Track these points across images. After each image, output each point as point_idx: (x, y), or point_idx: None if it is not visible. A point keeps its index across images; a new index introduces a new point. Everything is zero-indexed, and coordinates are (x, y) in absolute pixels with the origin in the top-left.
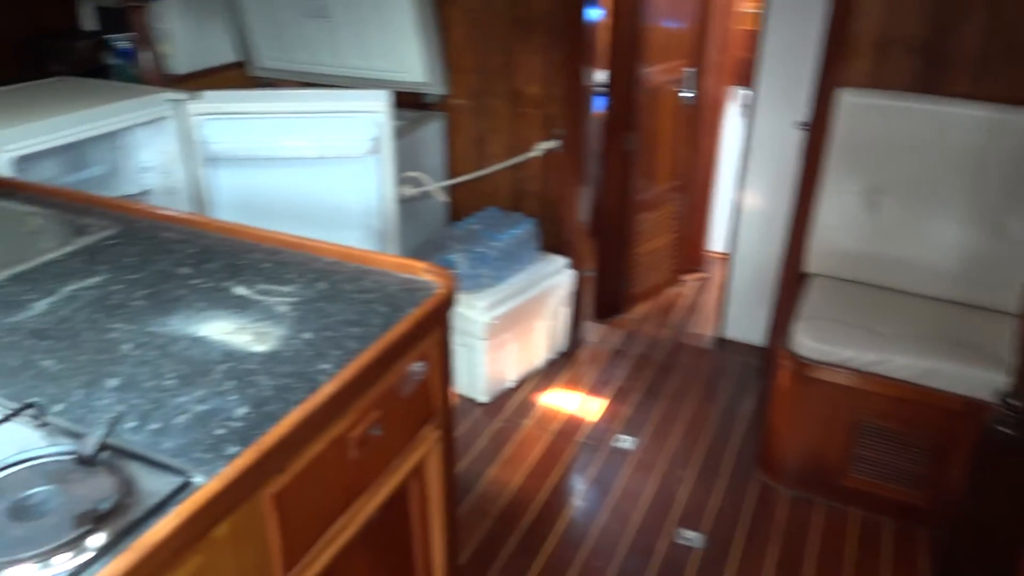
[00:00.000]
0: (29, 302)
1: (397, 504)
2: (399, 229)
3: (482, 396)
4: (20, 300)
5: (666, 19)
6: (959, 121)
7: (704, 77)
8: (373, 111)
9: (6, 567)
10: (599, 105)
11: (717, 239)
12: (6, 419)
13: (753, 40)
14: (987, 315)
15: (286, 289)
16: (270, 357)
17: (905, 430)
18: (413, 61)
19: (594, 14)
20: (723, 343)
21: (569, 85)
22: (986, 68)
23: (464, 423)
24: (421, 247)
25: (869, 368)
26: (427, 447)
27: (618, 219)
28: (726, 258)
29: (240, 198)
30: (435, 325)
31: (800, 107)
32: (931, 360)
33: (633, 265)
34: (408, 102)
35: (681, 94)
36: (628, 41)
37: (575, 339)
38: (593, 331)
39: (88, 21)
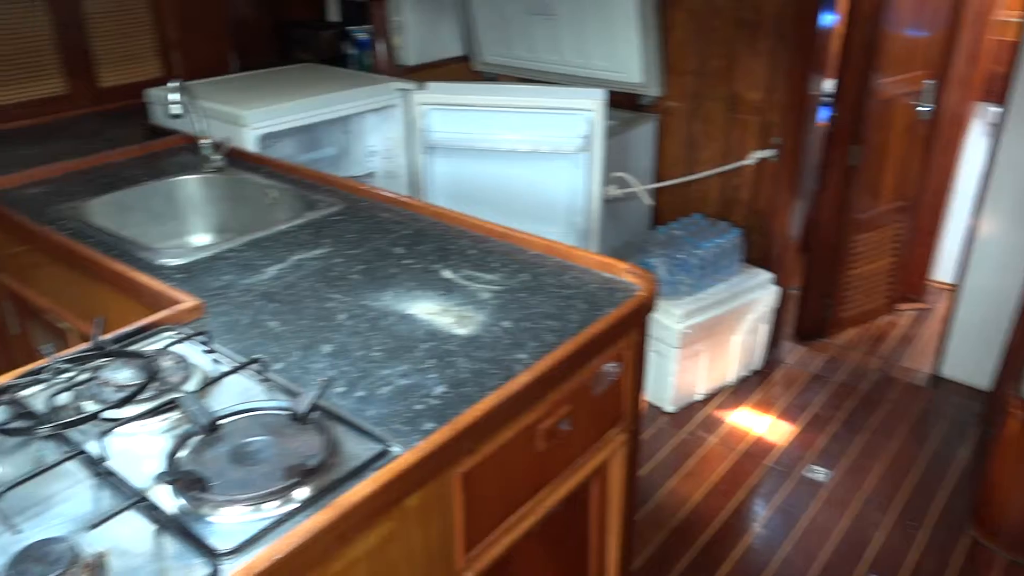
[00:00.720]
0: (263, 267)
1: (577, 502)
2: (601, 228)
3: (669, 405)
4: (255, 264)
5: (909, 26)
6: None
7: (946, 90)
8: (587, 109)
9: (224, 505)
10: (823, 115)
11: (943, 268)
12: (235, 370)
13: (1011, 53)
14: None
15: (490, 277)
16: (470, 341)
17: None
18: (631, 62)
19: (828, 19)
20: (939, 381)
21: (793, 92)
22: None
23: (648, 430)
24: (621, 248)
25: None
26: (612, 449)
27: (832, 237)
28: (953, 289)
29: (452, 185)
30: (633, 327)
31: None
32: None
33: (844, 287)
34: (622, 102)
35: (918, 108)
36: (863, 48)
37: (772, 358)
38: (792, 352)
39: (332, 13)
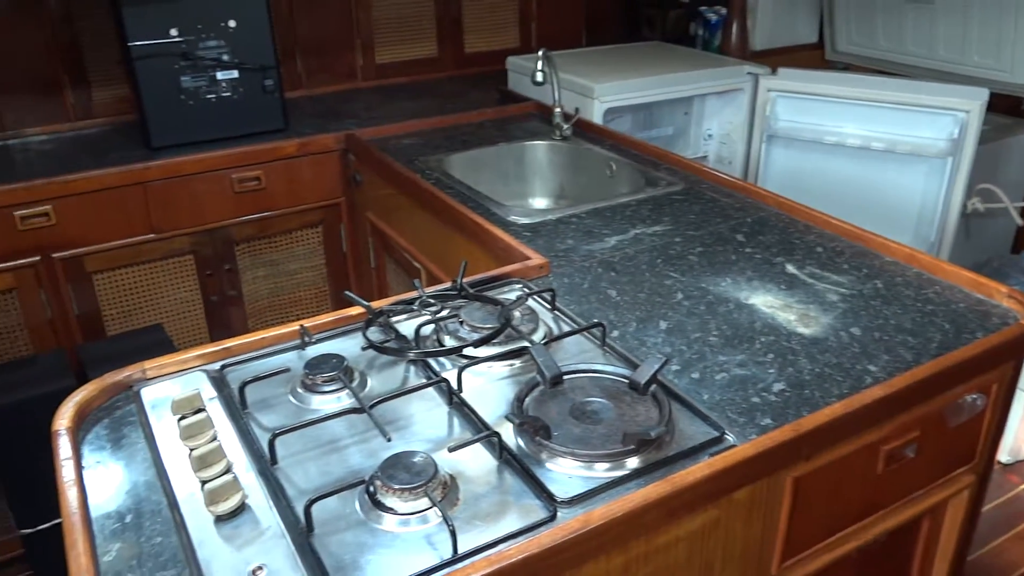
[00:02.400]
0: (604, 236)
1: (904, 538)
2: (953, 243)
3: (1004, 455)
4: (597, 232)
5: None
6: None
7: None
8: (960, 110)
9: (562, 456)
10: None
11: None
12: (579, 331)
13: None
14: None
15: (838, 278)
16: (813, 342)
17: None
18: (1021, 60)
19: None
20: None
21: None
22: None
23: None
24: (975, 270)
25: None
26: (955, 490)
27: None
28: None
29: (789, 177)
30: (1006, 359)
31: None
32: None
33: None
34: (1000, 106)
35: None
36: None
37: None
38: None
39: None
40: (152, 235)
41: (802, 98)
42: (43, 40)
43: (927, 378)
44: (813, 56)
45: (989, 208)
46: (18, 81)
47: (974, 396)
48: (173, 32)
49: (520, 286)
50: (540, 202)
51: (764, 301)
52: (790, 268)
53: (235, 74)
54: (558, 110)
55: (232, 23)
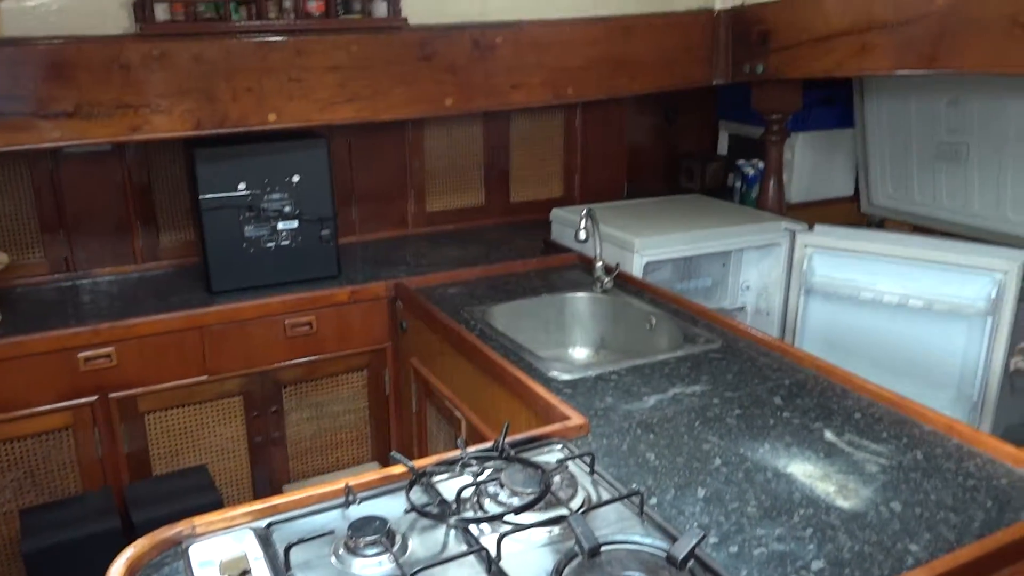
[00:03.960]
0: (644, 395)
1: None
2: (997, 402)
3: None
4: (636, 391)
5: None
6: None
7: None
8: (998, 270)
9: None
10: None
11: None
12: (617, 499)
13: None
14: None
15: (877, 448)
16: (853, 517)
17: None
18: None
19: None
20: None
21: None
22: None
23: None
24: (1018, 429)
25: None
26: None
27: None
28: None
29: (828, 330)
30: None
31: None
32: None
33: None
34: None
35: None
36: None
37: None
38: None
39: (721, 146)
40: (205, 376)
41: (838, 254)
42: (118, 185)
43: (970, 561)
44: (849, 209)
45: None
46: (93, 224)
47: None
48: (241, 186)
49: (560, 447)
50: (581, 352)
51: (803, 470)
52: (829, 435)
53: (295, 224)
54: (599, 263)
55: (296, 177)
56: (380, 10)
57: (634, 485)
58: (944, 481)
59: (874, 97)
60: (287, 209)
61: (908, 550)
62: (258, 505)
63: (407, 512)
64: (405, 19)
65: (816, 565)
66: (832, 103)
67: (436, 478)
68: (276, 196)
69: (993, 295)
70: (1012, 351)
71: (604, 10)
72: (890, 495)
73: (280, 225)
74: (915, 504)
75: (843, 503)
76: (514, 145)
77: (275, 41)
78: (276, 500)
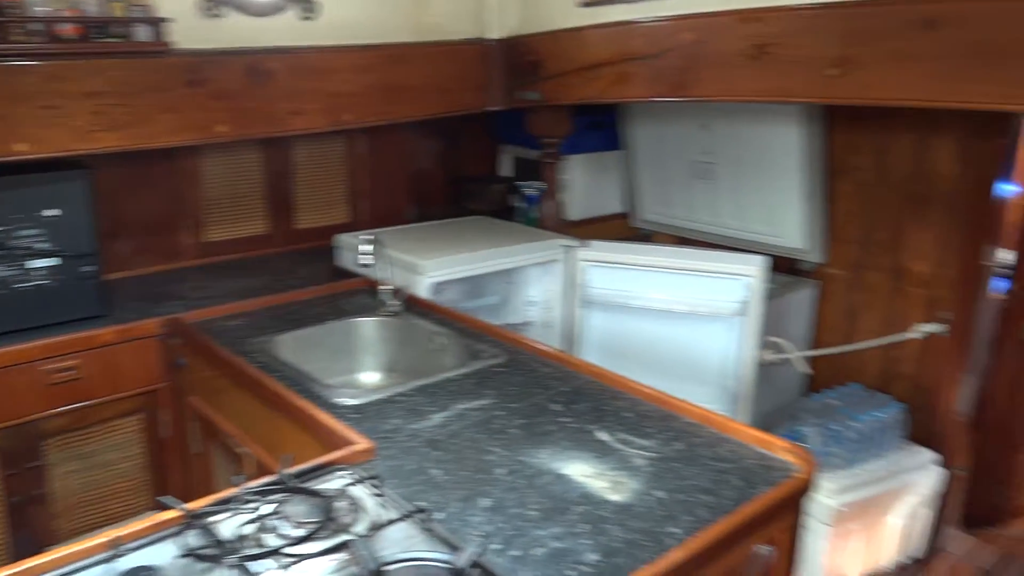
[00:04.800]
0: (429, 413)
1: None
2: (752, 392)
3: None
4: (422, 410)
5: None
6: None
7: None
8: (747, 275)
9: None
10: (999, 286)
11: None
12: (402, 518)
13: None
14: None
15: (645, 443)
16: (623, 508)
17: None
18: (793, 227)
19: (1006, 189)
20: None
21: (965, 265)
22: None
23: None
24: (772, 414)
25: None
26: None
27: (1006, 417)
28: None
29: (607, 339)
30: (789, 510)
31: None
32: None
33: (1019, 472)
34: (781, 266)
35: None
36: None
37: (934, 546)
38: (958, 541)
39: (505, 169)
40: None
41: (612, 267)
42: None
43: (721, 536)
44: (622, 225)
45: (781, 358)
46: None
47: (765, 547)
48: None
49: (345, 473)
50: (371, 376)
51: (579, 471)
52: (602, 435)
53: (54, 262)
54: (386, 287)
55: (54, 211)
56: (141, 34)
57: (420, 502)
58: (702, 467)
59: (637, 122)
60: (42, 246)
61: (671, 533)
62: (8, 571)
63: (181, 557)
64: (167, 44)
65: (591, 558)
66: (601, 127)
67: (213, 519)
68: (27, 233)
69: (744, 297)
70: (761, 345)
71: (378, 38)
72: (656, 485)
73: (35, 263)
74: (677, 491)
75: (615, 497)
76: (297, 171)
77: (23, 65)
78: (31, 563)
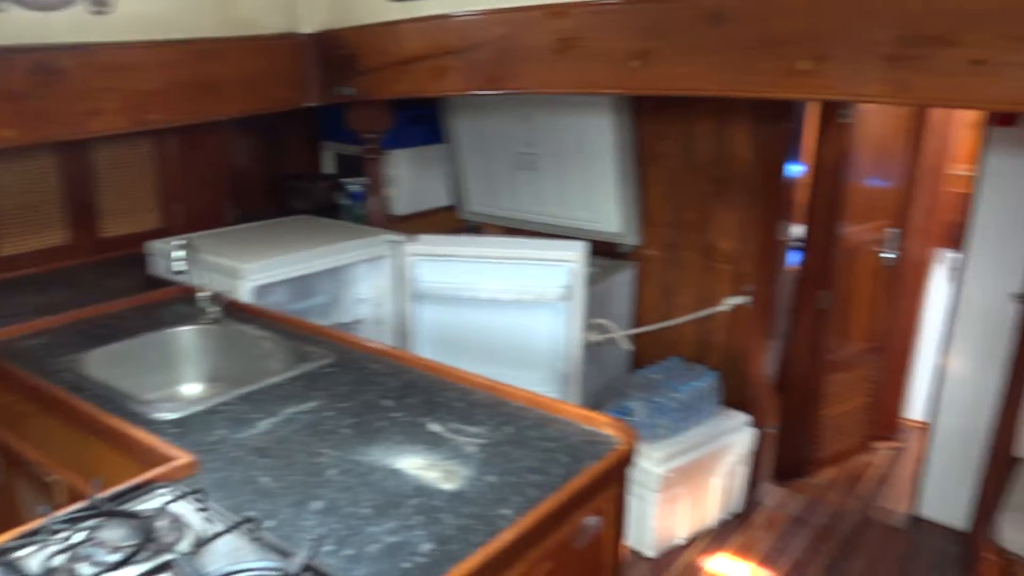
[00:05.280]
0: (255, 420)
1: None
2: (582, 372)
3: (649, 550)
4: (248, 418)
5: (870, 178)
6: None
7: (908, 238)
8: (568, 260)
9: None
10: (794, 259)
11: (915, 407)
12: (227, 531)
13: (965, 204)
14: None
15: (476, 430)
16: (456, 496)
17: None
18: (610, 213)
19: (794, 170)
20: (918, 522)
21: (763, 242)
22: None
23: None
24: (602, 391)
25: None
26: None
27: (806, 378)
28: (925, 428)
29: (439, 332)
30: (613, 481)
31: (1016, 276)
32: None
33: (820, 427)
34: (602, 250)
35: (882, 255)
36: (828, 199)
37: (751, 500)
38: (772, 494)
39: (328, 166)
40: None
41: (440, 260)
42: None
43: (550, 513)
44: (450, 217)
45: (606, 338)
46: None
47: (593, 518)
48: None
49: (166, 491)
50: (194, 388)
51: (412, 464)
52: (434, 427)
53: None
54: (202, 294)
55: None
56: None
57: (248, 512)
58: (531, 449)
59: (460, 115)
60: None
61: (502, 515)
62: None
63: None
64: None
65: (425, 547)
66: (424, 121)
67: (18, 554)
68: None
69: (568, 283)
70: (587, 327)
71: (184, 33)
72: (487, 470)
73: None
74: (507, 473)
75: (447, 486)
76: (101, 176)
77: None
78: None
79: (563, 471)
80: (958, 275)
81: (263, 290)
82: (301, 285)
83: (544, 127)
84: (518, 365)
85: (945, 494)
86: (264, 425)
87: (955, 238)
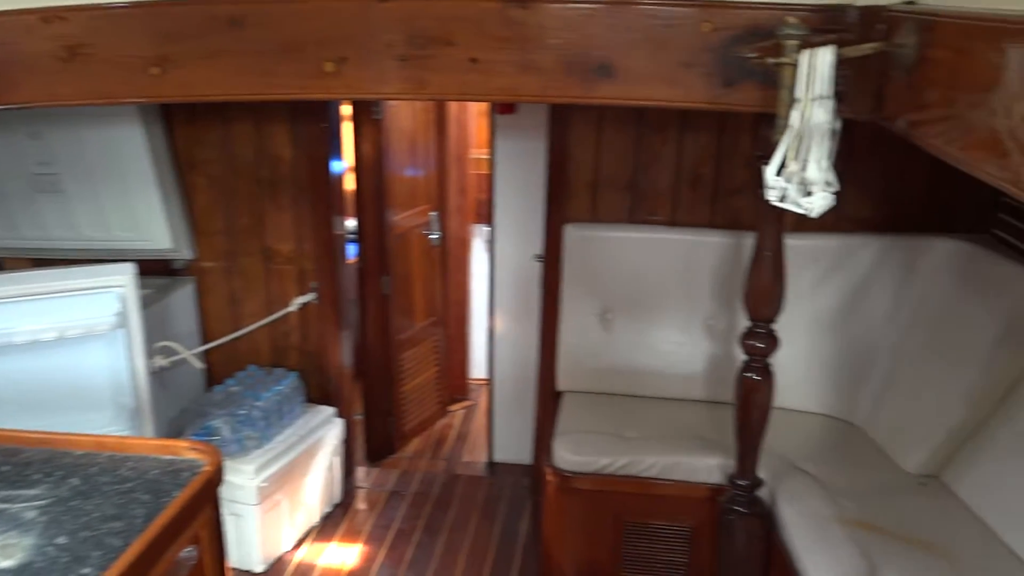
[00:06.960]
0: None
1: None
2: (153, 402)
3: (258, 565)
4: None
5: (406, 168)
6: (664, 245)
7: (448, 219)
8: (115, 286)
9: None
10: (353, 251)
11: (478, 367)
12: None
13: (488, 183)
14: (722, 408)
15: (32, 492)
16: (21, 571)
17: (663, 524)
18: (156, 228)
19: (338, 166)
20: (495, 467)
21: (319, 238)
22: (679, 200)
23: None
24: (180, 417)
25: (623, 471)
26: None
27: (381, 360)
28: (488, 383)
29: None
30: (204, 505)
31: (535, 240)
32: (672, 456)
33: (401, 403)
34: (155, 269)
35: (429, 236)
36: (373, 190)
37: (350, 487)
38: (368, 476)
39: None
40: None
41: None
42: None
43: (137, 558)
44: None
45: (175, 360)
46: None
47: (188, 549)
48: None
49: None
50: None
51: None
52: None
53: None
54: None
55: None
56: None
57: None
58: (105, 496)
59: None
60: None
61: (83, 575)
62: None
63: None
64: None
65: None
66: None
67: None
68: None
69: (120, 308)
70: (150, 353)
71: None
72: (55, 532)
73: None
74: (81, 529)
75: (7, 563)
76: None
77: None
78: None
79: (145, 510)
80: (491, 246)
81: None
82: None
83: (61, 143)
84: (78, 409)
85: (511, 438)
86: None
87: (485, 214)
